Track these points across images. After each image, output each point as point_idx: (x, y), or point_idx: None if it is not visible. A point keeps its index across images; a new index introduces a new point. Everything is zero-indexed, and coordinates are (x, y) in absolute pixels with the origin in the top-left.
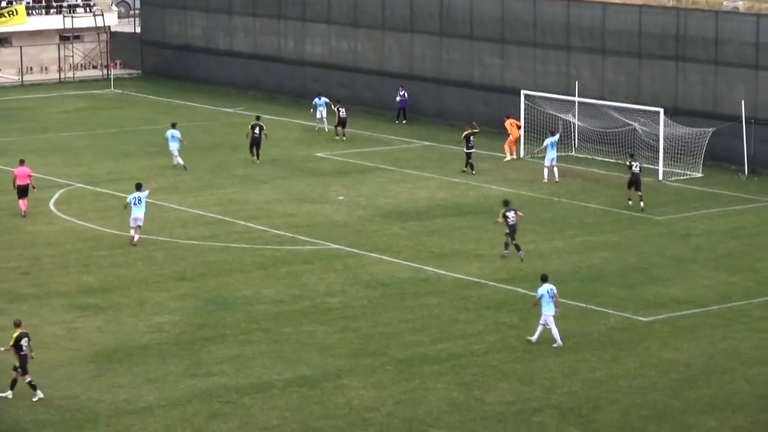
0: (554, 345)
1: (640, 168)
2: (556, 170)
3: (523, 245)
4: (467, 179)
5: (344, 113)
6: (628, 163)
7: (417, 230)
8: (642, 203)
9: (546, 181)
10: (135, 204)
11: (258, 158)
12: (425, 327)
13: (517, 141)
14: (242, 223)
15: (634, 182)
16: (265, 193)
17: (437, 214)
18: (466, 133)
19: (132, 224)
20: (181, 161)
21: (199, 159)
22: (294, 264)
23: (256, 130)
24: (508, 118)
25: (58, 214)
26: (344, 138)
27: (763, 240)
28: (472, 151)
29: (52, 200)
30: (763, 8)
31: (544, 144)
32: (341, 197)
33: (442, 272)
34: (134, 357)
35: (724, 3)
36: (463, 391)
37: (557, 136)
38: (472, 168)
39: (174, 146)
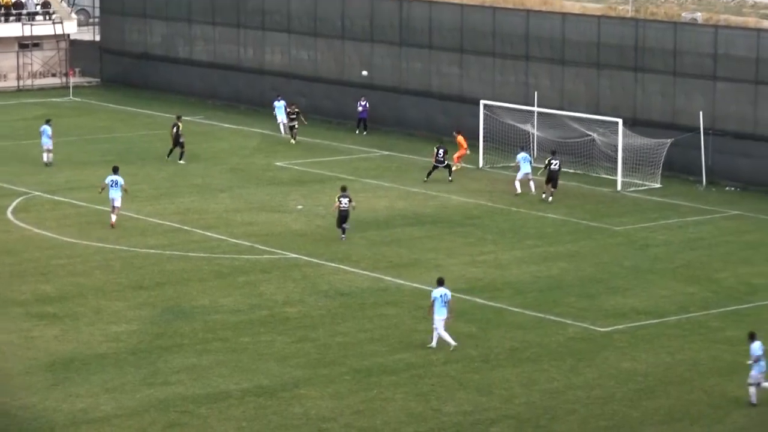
0: (450, 348)
1: (559, 166)
2: (532, 184)
3: (483, 255)
4: (426, 189)
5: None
6: (547, 160)
7: (376, 240)
8: (551, 198)
9: (518, 192)
10: (111, 186)
11: (169, 155)
12: (384, 337)
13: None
14: (200, 232)
15: (552, 179)
16: (224, 202)
17: (396, 224)
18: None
19: (111, 204)
20: (48, 159)
21: (157, 167)
22: (252, 273)
23: (175, 129)
24: (459, 133)
25: (16, 222)
26: (293, 141)
27: (721, 251)
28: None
29: (10, 208)
30: (721, 20)
31: (517, 160)
32: (300, 207)
33: (401, 282)
34: (91, 366)
35: (683, 14)
36: (420, 402)
37: (526, 153)
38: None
39: (46, 142)
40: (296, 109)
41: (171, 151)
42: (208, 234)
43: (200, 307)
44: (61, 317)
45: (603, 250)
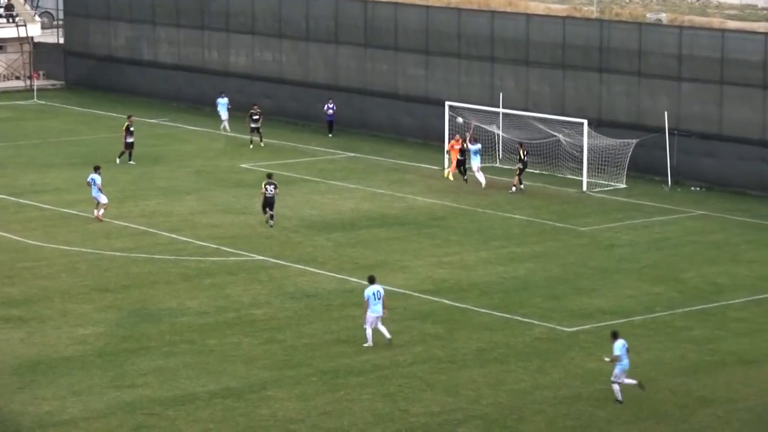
0: (386, 341)
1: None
2: (479, 176)
3: (448, 256)
4: (392, 190)
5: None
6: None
7: (342, 241)
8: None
9: (484, 186)
10: (92, 185)
11: (126, 158)
12: (350, 338)
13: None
14: (166, 234)
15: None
16: (190, 205)
17: (362, 225)
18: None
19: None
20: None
21: (123, 170)
22: (218, 275)
23: (131, 129)
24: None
25: None
26: (262, 143)
27: (687, 251)
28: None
29: None
30: (685, 20)
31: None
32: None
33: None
34: (58, 369)
35: (647, 15)
36: (388, 402)
37: (478, 144)
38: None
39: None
40: (259, 110)
41: (121, 153)
42: (174, 236)
43: (167, 310)
44: (27, 320)
45: (569, 250)
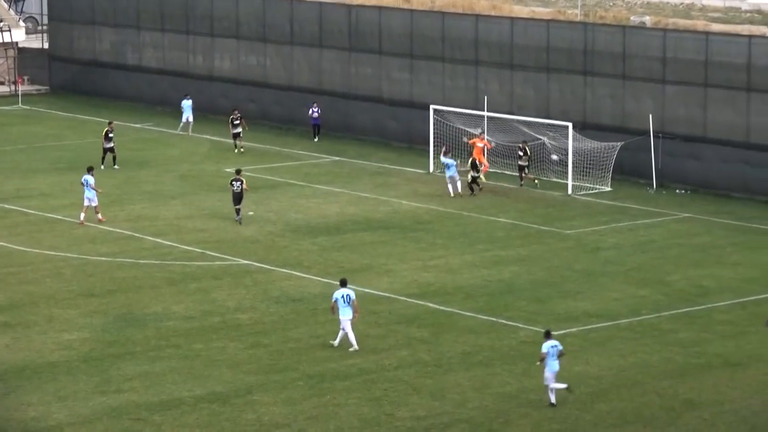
0: (350, 349)
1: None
2: (450, 186)
3: (434, 260)
4: (377, 194)
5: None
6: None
7: (327, 245)
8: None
9: (452, 195)
10: (85, 185)
11: (111, 163)
12: (335, 342)
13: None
14: (151, 239)
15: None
16: (175, 209)
17: (347, 229)
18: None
19: (85, 203)
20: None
21: (108, 175)
22: (204, 280)
23: (110, 135)
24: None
25: None
26: (242, 149)
27: (672, 253)
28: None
29: None
30: (669, 23)
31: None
32: (251, 213)
33: (353, 287)
34: (43, 374)
35: (631, 18)
36: (374, 407)
37: (450, 159)
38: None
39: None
40: (239, 115)
41: (102, 158)
42: (160, 241)
43: (152, 314)
44: (13, 325)
45: (554, 253)
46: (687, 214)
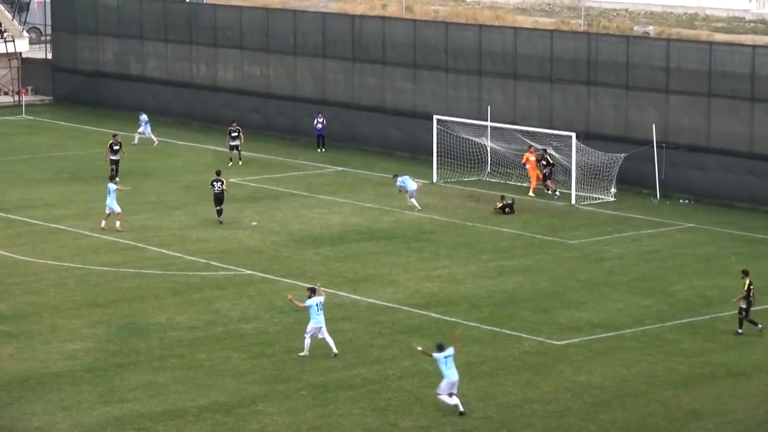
0: (334, 354)
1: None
2: (414, 200)
3: (437, 270)
4: (380, 204)
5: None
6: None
7: (331, 255)
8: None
9: (419, 208)
10: (108, 194)
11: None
12: (340, 352)
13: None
14: (155, 249)
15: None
16: (179, 219)
17: (351, 240)
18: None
19: (107, 210)
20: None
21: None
22: (207, 290)
23: (115, 148)
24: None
25: None
26: (240, 162)
27: (676, 263)
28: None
29: None
30: (673, 33)
31: (399, 185)
32: (254, 223)
33: (356, 297)
34: (47, 384)
35: (635, 28)
36: (377, 416)
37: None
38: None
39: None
40: (238, 127)
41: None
42: (163, 251)
43: (156, 325)
44: (16, 336)
45: (558, 263)
46: (690, 224)
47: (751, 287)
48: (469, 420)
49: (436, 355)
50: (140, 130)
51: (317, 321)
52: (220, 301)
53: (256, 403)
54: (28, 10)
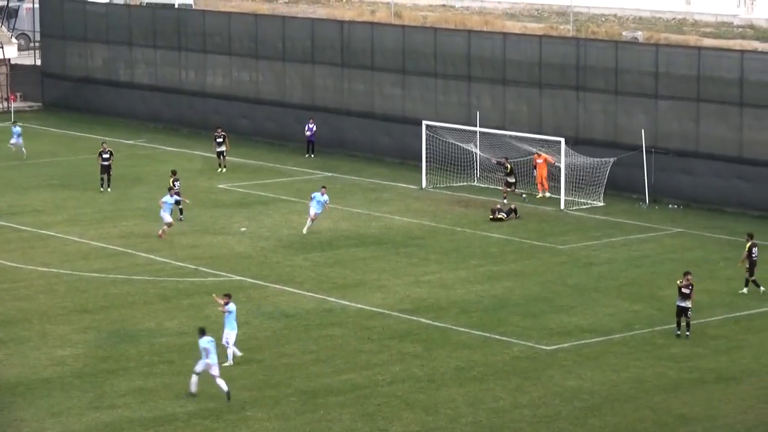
0: (226, 363)
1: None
2: (309, 222)
3: (427, 275)
4: (369, 210)
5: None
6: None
7: (320, 261)
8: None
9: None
10: (164, 206)
11: (109, 186)
12: (329, 358)
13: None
14: (144, 255)
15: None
16: None
17: (340, 245)
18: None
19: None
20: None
21: (101, 191)
22: (197, 296)
23: (105, 156)
24: (538, 154)
25: None
26: (224, 169)
27: (665, 268)
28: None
29: None
30: (661, 38)
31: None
32: (244, 229)
33: (346, 303)
34: (37, 390)
35: (624, 33)
36: (367, 422)
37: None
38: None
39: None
40: (223, 133)
41: (105, 178)
42: (153, 257)
43: (145, 330)
44: (6, 342)
45: (547, 269)
46: (680, 229)
47: (753, 248)
48: (458, 425)
49: (201, 342)
50: (12, 141)
51: (232, 327)
52: (210, 307)
53: (246, 409)
54: (16, 16)
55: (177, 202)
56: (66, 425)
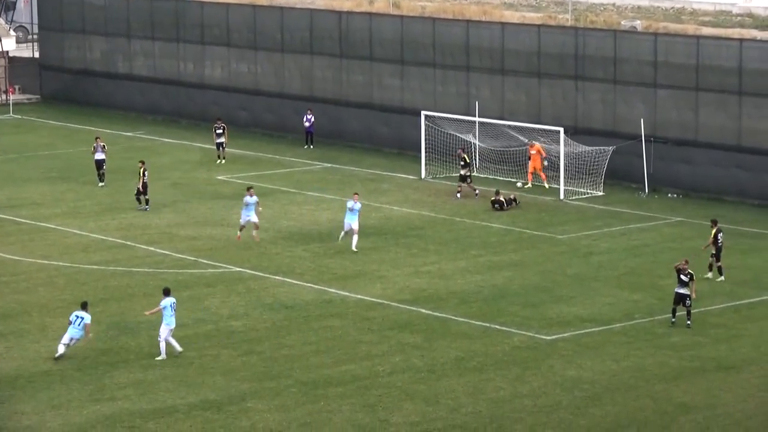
0: (158, 358)
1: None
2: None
3: (426, 265)
4: (369, 201)
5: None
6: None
7: (320, 252)
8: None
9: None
10: (246, 206)
11: (102, 181)
12: (329, 349)
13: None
14: (144, 247)
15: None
16: (167, 217)
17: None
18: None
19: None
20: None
21: (100, 186)
22: (197, 287)
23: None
24: (532, 144)
25: None
26: (223, 161)
27: (665, 257)
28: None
29: None
30: (660, 27)
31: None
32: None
33: (346, 294)
34: (37, 383)
35: (622, 23)
36: (367, 413)
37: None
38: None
39: None
40: (223, 124)
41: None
42: (152, 249)
43: (145, 322)
44: (6, 335)
45: (547, 258)
46: (679, 218)
47: (719, 234)
48: (458, 415)
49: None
50: None
51: (170, 323)
52: (210, 299)
53: (246, 401)
54: (14, 8)
55: (144, 191)
56: (66, 418)
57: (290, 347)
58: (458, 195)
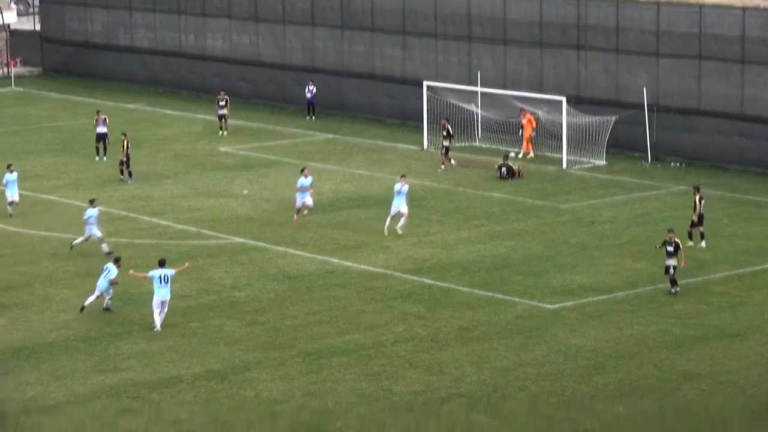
0: (154, 329)
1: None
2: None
3: (429, 236)
4: (371, 171)
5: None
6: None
7: (322, 222)
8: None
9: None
10: (300, 193)
11: (105, 155)
12: (332, 319)
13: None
14: (147, 218)
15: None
16: (169, 189)
17: (342, 206)
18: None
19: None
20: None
21: (96, 160)
22: (200, 258)
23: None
24: (523, 113)
25: None
26: (225, 132)
27: (667, 226)
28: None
29: None
30: None
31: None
32: (246, 191)
33: (349, 264)
34: (41, 354)
35: None
36: (371, 382)
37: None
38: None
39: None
40: (225, 96)
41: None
42: (155, 221)
43: (149, 294)
44: (9, 306)
45: (549, 228)
46: (682, 187)
47: (702, 201)
48: (462, 384)
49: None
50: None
51: (160, 294)
52: (213, 270)
53: (250, 370)
54: None
55: (127, 164)
56: (70, 388)
57: (294, 317)
58: (443, 166)
